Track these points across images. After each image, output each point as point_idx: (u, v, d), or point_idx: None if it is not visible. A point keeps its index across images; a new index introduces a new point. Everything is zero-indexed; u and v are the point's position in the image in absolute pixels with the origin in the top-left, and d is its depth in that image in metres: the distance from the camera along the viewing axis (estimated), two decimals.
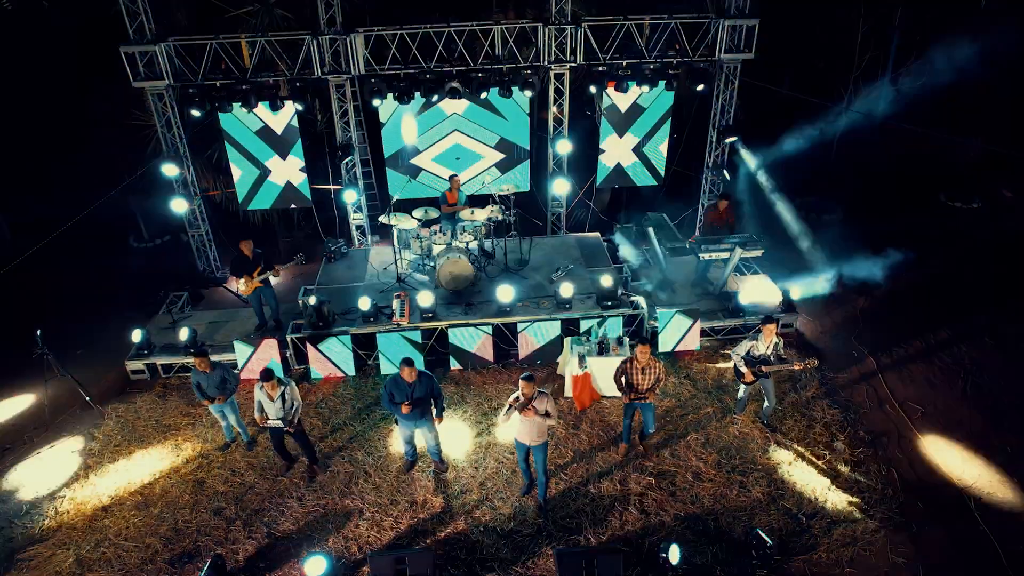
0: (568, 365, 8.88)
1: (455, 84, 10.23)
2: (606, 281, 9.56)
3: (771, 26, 11.08)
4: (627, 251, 11.35)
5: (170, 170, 10.72)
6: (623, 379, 7.45)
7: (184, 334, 9.33)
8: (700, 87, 10.78)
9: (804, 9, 14.94)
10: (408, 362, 6.97)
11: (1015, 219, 13.36)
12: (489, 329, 9.46)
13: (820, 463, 7.79)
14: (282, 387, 7.22)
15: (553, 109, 11.07)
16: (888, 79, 15.65)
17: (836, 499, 7.30)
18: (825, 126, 14.71)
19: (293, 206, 11.68)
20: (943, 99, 15.69)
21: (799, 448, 8.02)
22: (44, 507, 7.53)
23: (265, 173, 11.26)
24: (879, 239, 12.07)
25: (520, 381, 6.47)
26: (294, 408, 7.34)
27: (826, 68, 14.93)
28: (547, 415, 6.62)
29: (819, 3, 14.98)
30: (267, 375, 7.11)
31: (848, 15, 14.59)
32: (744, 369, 7.83)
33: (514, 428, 6.81)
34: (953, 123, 15.48)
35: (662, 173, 12.01)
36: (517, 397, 6.55)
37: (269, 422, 7.33)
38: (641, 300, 9.80)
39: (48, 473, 8.01)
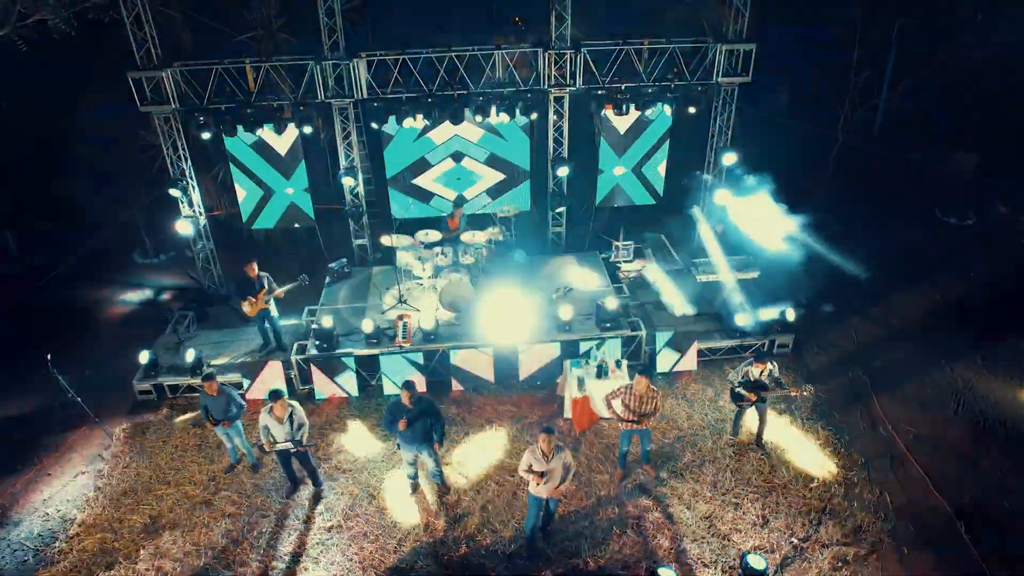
0: (568, 387, 9.07)
1: (456, 108, 10.41)
2: (610, 303, 9.74)
3: (769, 44, 11.26)
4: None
5: (175, 190, 10.91)
6: (617, 401, 7.58)
7: (190, 356, 9.49)
8: (692, 110, 10.95)
9: (801, 27, 15.16)
10: (408, 386, 7.17)
11: (1010, 235, 13.53)
12: (490, 350, 9.63)
13: (813, 485, 7.97)
14: (289, 408, 7.37)
15: (553, 131, 11.25)
16: (884, 95, 15.85)
17: (829, 522, 7.47)
18: (821, 143, 14.91)
19: (296, 225, 11.84)
20: (938, 114, 15.91)
21: (792, 469, 8.19)
22: (56, 529, 7.69)
23: (269, 193, 11.44)
24: (874, 256, 12.25)
25: (540, 434, 6.46)
26: (302, 429, 7.49)
27: (823, 85, 15.13)
28: (567, 469, 6.63)
29: (816, 21, 15.19)
30: (275, 395, 7.29)
31: (845, 32, 14.77)
32: (744, 392, 8.01)
33: (531, 484, 6.75)
34: (948, 138, 15.68)
35: (661, 192, 12.19)
36: (537, 450, 6.53)
37: (277, 446, 7.47)
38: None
39: (59, 495, 8.17)
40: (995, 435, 8.50)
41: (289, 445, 7.46)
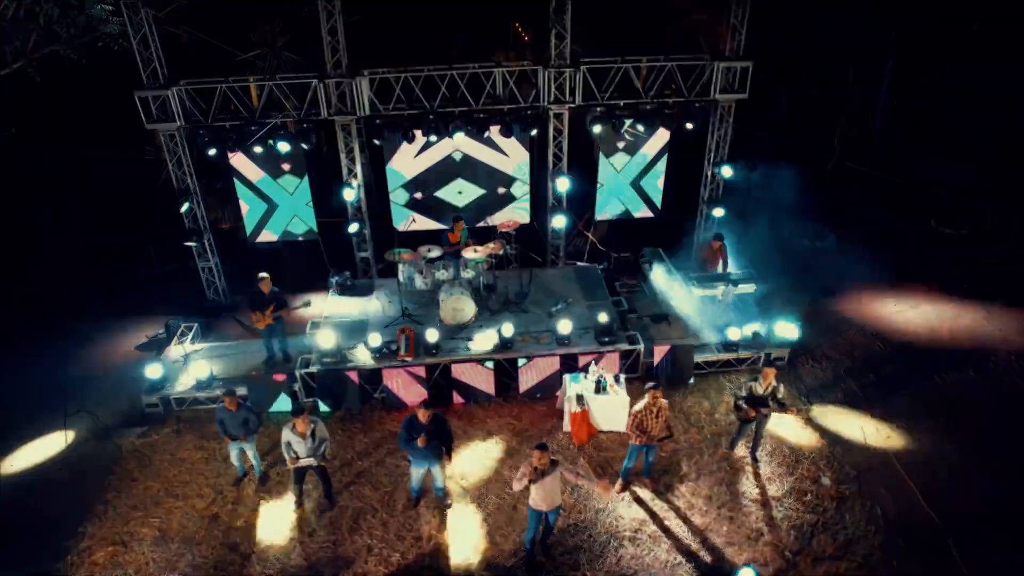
0: (567, 401, 9.25)
1: (457, 124, 10.59)
2: (602, 318, 9.93)
3: (766, 56, 11.39)
4: None
5: (181, 205, 11.08)
6: (641, 426, 7.76)
7: (201, 370, 9.69)
8: (689, 125, 11.13)
9: (798, 38, 15.29)
10: (425, 404, 7.40)
11: (1003, 245, 13.71)
12: (491, 364, 9.81)
13: (806, 498, 8.12)
14: (312, 424, 7.54)
15: (552, 146, 11.42)
16: (881, 106, 16.03)
17: (822, 535, 7.63)
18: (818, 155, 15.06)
19: (300, 238, 12.02)
20: (934, 126, 16.09)
21: (786, 483, 8.35)
22: (67, 543, 7.83)
23: (273, 207, 11.62)
24: (870, 267, 12.39)
25: (534, 451, 6.58)
26: (323, 444, 7.67)
27: (819, 97, 15.28)
28: (565, 483, 6.81)
29: (813, 31, 15.31)
30: (298, 410, 7.48)
31: (841, 44, 14.94)
32: (745, 407, 8.19)
33: (528, 495, 6.89)
34: (944, 149, 15.87)
35: (659, 205, 12.37)
36: (533, 466, 6.62)
37: (301, 462, 7.61)
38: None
39: (69, 507, 8.28)
40: (986, 449, 8.68)
41: (312, 461, 7.63)
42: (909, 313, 11.62)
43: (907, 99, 14.98)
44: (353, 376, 9.72)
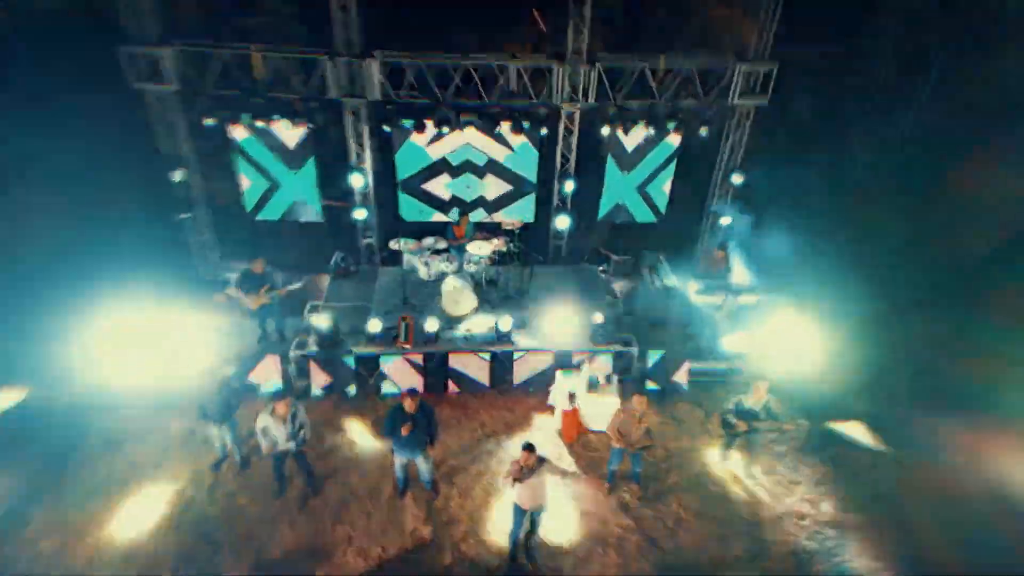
0: (558, 398, 9.10)
1: (468, 117, 10.37)
2: (596, 318, 9.80)
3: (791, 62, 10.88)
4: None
5: (174, 174, 10.74)
6: (621, 430, 7.61)
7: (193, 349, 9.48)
8: (704, 130, 10.90)
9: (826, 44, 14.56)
10: (412, 392, 7.23)
11: None
12: (487, 355, 9.65)
13: (804, 523, 7.85)
14: (293, 408, 7.26)
15: (561, 145, 11.20)
16: (913, 111, 15.38)
17: (821, 565, 7.34)
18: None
19: (302, 219, 11.76)
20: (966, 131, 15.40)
21: (784, 504, 8.08)
22: (17, 529, 7.28)
23: (275, 185, 11.34)
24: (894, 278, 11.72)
25: (521, 452, 6.50)
26: (303, 429, 7.38)
27: (847, 102, 14.70)
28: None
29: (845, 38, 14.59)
30: (278, 394, 7.27)
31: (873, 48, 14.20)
32: (734, 421, 7.98)
33: (513, 493, 6.83)
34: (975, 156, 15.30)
35: (663, 211, 12.19)
36: (520, 464, 6.56)
37: (279, 447, 7.31)
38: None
39: (14, 491, 7.66)
40: (999, 481, 7.83)
41: (291, 446, 7.33)
42: (927, 328, 10.97)
43: (944, 103, 14.39)
44: (349, 361, 9.52)
